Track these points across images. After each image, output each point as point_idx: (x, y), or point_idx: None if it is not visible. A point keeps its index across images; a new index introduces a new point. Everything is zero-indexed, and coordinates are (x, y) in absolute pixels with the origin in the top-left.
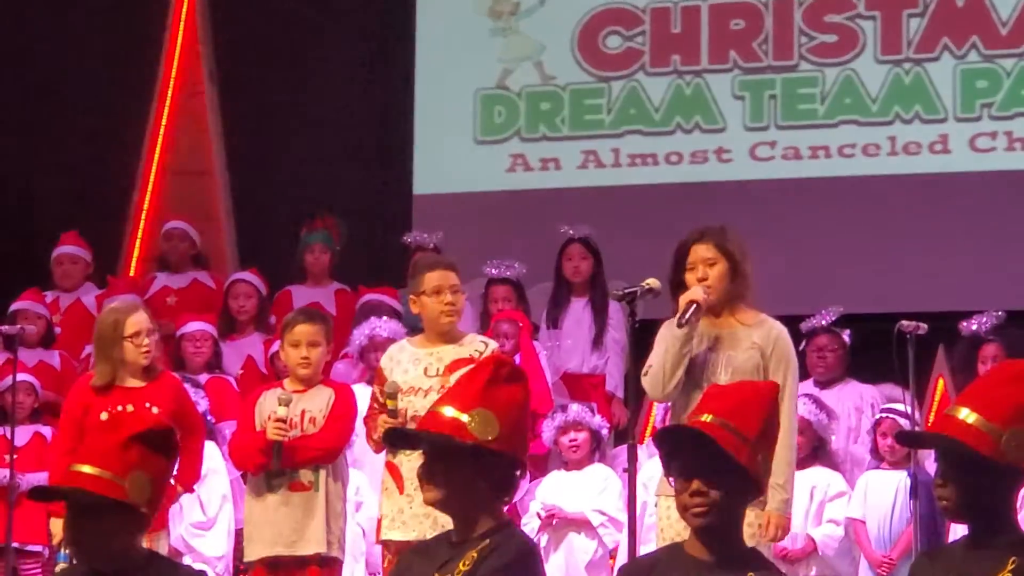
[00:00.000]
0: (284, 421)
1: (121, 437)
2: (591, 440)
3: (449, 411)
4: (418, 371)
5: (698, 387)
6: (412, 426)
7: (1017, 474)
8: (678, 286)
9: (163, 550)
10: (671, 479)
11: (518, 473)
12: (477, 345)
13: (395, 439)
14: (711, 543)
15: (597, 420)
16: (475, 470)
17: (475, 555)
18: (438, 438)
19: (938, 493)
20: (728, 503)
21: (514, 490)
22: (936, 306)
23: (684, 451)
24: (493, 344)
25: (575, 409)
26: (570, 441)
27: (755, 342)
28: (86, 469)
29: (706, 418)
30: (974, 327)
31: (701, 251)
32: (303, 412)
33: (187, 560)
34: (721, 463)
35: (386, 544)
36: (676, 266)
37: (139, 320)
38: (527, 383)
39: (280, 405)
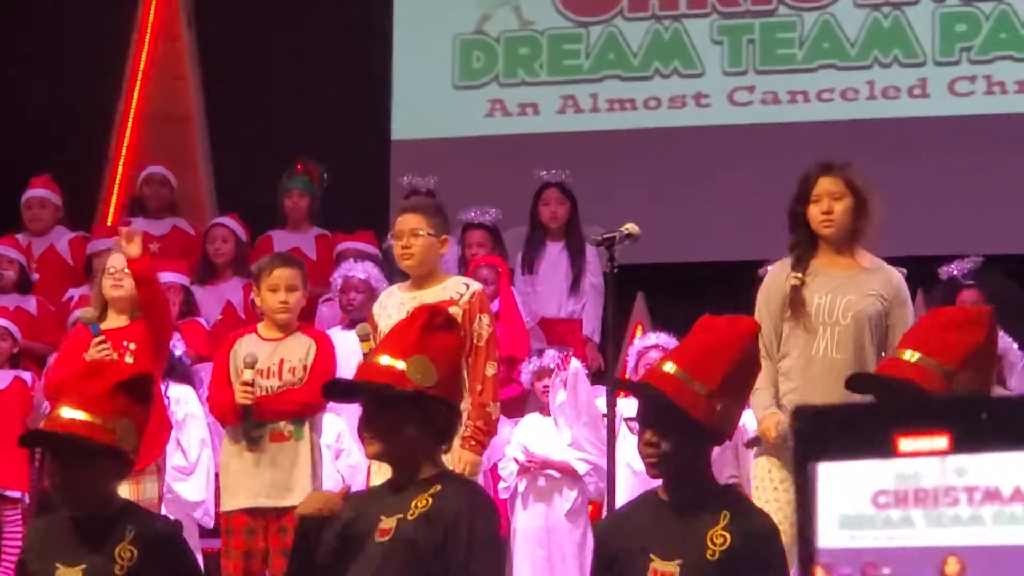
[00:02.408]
0: (251, 384)
1: (107, 384)
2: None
3: (386, 360)
4: (402, 316)
5: (814, 331)
6: None
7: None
8: (799, 218)
9: (153, 493)
10: (630, 424)
11: (456, 421)
12: (459, 288)
13: (332, 391)
14: (673, 488)
15: (574, 366)
16: (416, 418)
17: (430, 499)
18: (379, 387)
19: None
20: (683, 452)
21: (453, 436)
22: (915, 250)
23: (640, 402)
24: (476, 285)
25: (551, 354)
26: (544, 387)
27: (876, 290)
28: (79, 415)
29: (668, 368)
30: (953, 271)
31: (827, 184)
32: (281, 361)
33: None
34: (675, 415)
35: None
36: (799, 197)
37: (117, 257)
38: (460, 331)
39: (245, 368)
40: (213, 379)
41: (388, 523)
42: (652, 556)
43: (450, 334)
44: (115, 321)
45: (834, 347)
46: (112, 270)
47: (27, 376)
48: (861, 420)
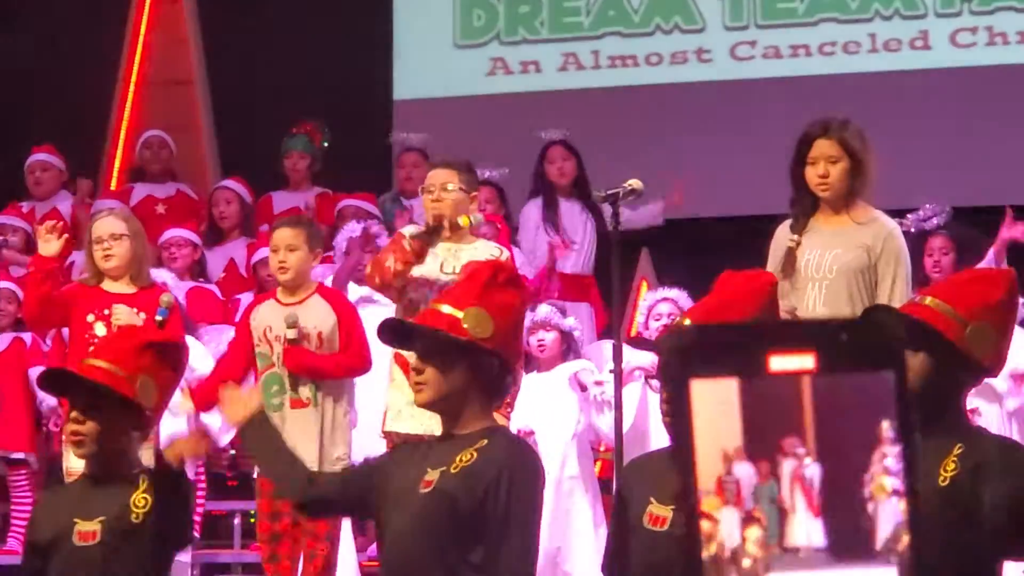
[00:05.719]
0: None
1: (137, 342)
2: (561, 340)
3: (446, 308)
4: (435, 264)
5: (804, 286)
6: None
7: (975, 369)
8: (799, 179)
9: (149, 461)
10: None
11: (509, 379)
12: (492, 250)
13: (388, 333)
14: None
15: (569, 322)
16: (467, 368)
17: (475, 453)
18: (430, 332)
19: None
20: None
21: (505, 395)
22: (918, 202)
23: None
24: (507, 253)
25: (544, 310)
26: (538, 341)
27: (864, 242)
28: (100, 363)
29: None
30: (914, 225)
31: (825, 147)
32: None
33: None
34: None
35: (390, 436)
36: (797, 158)
37: (100, 225)
38: (524, 292)
39: (288, 327)
40: (230, 346)
41: (432, 475)
42: (651, 500)
43: (513, 291)
44: (117, 287)
45: (821, 301)
46: (99, 238)
47: (27, 336)
48: (737, 338)
